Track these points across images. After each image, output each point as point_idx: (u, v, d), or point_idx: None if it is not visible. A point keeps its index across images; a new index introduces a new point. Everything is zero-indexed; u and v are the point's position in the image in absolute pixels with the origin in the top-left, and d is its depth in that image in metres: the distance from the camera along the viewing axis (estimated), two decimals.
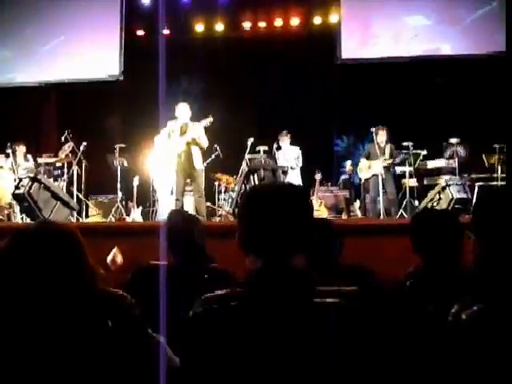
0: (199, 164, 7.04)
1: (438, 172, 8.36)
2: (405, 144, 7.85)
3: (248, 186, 7.44)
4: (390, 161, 7.83)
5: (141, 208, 8.72)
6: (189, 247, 2.62)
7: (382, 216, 7.50)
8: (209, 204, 8.44)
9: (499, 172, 7.81)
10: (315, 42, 10.21)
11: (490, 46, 8.70)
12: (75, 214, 7.30)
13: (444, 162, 8.39)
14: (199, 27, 10.38)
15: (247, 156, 7.98)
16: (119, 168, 8.29)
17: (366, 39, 9.34)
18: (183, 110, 7.09)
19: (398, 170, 8.21)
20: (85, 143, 8.15)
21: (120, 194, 8.24)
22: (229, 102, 10.53)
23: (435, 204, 7.03)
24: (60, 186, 7.98)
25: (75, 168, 8.22)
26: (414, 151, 7.88)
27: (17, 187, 6.86)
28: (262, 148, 7.98)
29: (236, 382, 1.32)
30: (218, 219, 8.13)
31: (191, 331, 1.37)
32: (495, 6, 8.76)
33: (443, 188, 7.07)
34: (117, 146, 8.35)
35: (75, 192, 8.06)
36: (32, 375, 1.41)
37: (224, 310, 1.35)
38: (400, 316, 1.67)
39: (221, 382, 1.32)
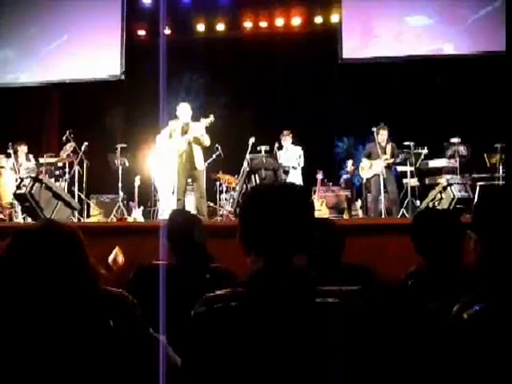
0: (201, 164, 7.04)
1: (440, 171, 8.35)
2: (406, 143, 7.85)
3: (249, 186, 7.44)
4: (391, 160, 7.83)
5: (142, 208, 8.73)
6: (190, 247, 2.62)
7: (383, 215, 7.50)
8: (210, 204, 8.44)
9: (501, 171, 7.81)
10: (316, 41, 10.20)
11: (492, 46, 8.69)
12: (76, 213, 7.30)
13: (445, 162, 8.38)
14: (200, 27, 10.38)
15: (248, 156, 7.98)
16: (120, 168, 8.30)
17: (367, 39, 9.34)
18: (184, 109, 7.10)
19: (400, 169, 8.21)
20: (86, 143, 8.16)
21: (121, 193, 8.24)
22: (230, 101, 10.54)
23: (436, 203, 7.02)
24: (61, 185, 7.99)
25: (76, 168, 8.22)
26: (416, 151, 7.88)
27: (18, 187, 6.87)
28: (263, 148, 7.98)
29: (237, 382, 1.32)
30: (219, 219, 8.13)
31: (193, 331, 1.37)
32: (498, 5, 8.75)
33: (444, 187, 7.06)
34: (118, 146, 8.36)
35: (76, 192, 8.06)
36: (34, 375, 1.41)
37: (225, 310, 1.35)
38: (402, 315, 1.67)
39: (222, 381, 1.32)
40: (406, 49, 9.19)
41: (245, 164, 7.96)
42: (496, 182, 7.79)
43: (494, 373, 1.29)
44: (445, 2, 9.03)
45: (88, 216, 8.35)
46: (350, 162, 9.96)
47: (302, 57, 10.46)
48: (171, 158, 7.07)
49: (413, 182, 7.97)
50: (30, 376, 1.41)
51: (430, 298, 1.86)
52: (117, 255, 3.18)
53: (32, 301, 1.44)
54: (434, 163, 8.43)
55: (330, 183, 9.88)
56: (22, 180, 6.97)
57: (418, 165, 8.06)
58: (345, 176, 10.15)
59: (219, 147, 8.39)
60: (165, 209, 7.56)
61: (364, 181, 8.44)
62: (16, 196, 6.95)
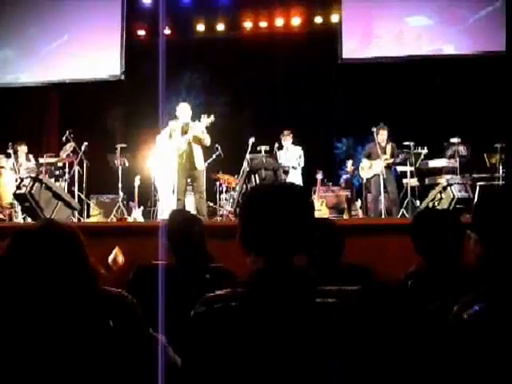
0: (200, 164, 7.04)
1: (440, 171, 8.35)
2: (406, 143, 7.86)
3: (249, 186, 7.44)
4: (391, 160, 7.83)
5: (142, 208, 8.73)
6: (189, 247, 2.62)
7: (383, 215, 7.50)
8: (210, 204, 8.44)
9: (500, 171, 7.81)
10: (316, 41, 10.20)
11: (492, 46, 8.69)
12: (76, 213, 7.30)
13: (445, 162, 8.38)
14: (200, 27, 10.38)
15: (248, 156, 7.98)
16: (120, 168, 8.30)
17: (367, 39, 9.34)
18: (184, 109, 7.10)
19: (400, 169, 8.21)
20: (86, 143, 8.16)
21: (121, 193, 8.24)
22: (230, 101, 10.54)
23: (436, 203, 7.02)
24: (61, 185, 7.99)
25: (76, 168, 8.23)
26: (415, 151, 7.89)
27: (18, 187, 6.87)
28: (263, 148, 7.98)
29: (237, 382, 1.32)
30: (219, 219, 8.13)
31: (192, 331, 1.37)
32: (498, 5, 8.74)
33: (444, 187, 7.06)
34: (118, 146, 8.36)
35: (76, 192, 8.06)
36: (34, 375, 1.41)
37: (225, 310, 1.35)
38: (401, 315, 1.67)
39: (222, 381, 1.32)
40: (405, 49, 9.19)
41: (245, 164, 7.96)
42: (496, 182, 7.80)
43: (493, 373, 1.29)
44: (445, 3, 9.02)
45: (88, 216, 8.35)
46: (349, 162, 9.96)
47: (302, 57, 10.46)
48: (171, 158, 7.07)
49: (413, 182, 7.97)
50: (30, 376, 1.41)
51: (430, 298, 1.87)
52: (117, 255, 3.18)
53: (32, 301, 1.44)
54: (434, 163, 8.43)
55: (330, 183, 9.88)
56: (21, 180, 6.97)
57: (417, 165, 8.06)
58: (345, 176, 10.16)
59: (219, 147, 8.39)
60: (165, 209, 7.55)
61: (364, 181, 8.44)
62: (16, 196, 6.95)
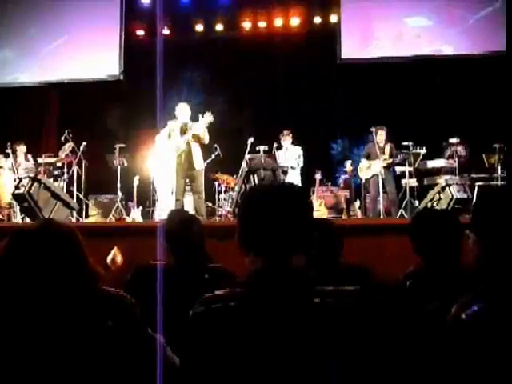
0: (199, 163, 7.04)
1: (438, 172, 8.36)
2: (405, 144, 7.86)
3: (248, 186, 7.44)
4: (389, 160, 7.84)
5: (141, 208, 8.72)
6: (188, 247, 2.61)
7: (381, 216, 7.50)
8: (209, 204, 8.44)
9: (499, 172, 7.82)
10: (315, 42, 10.20)
11: (492, 47, 8.68)
12: (75, 213, 7.30)
13: (444, 162, 8.39)
14: (199, 27, 10.37)
15: (247, 156, 7.98)
16: (119, 168, 8.29)
17: (366, 40, 9.33)
18: (183, 109, 7.10)
19: (398, 169, 8.21)
20: (85, 143, 8.16)
21: (120, 193, 8.24)
22: (229, 101, 10.52)
23: (435, 204, 7.03)
24: (60, 185, 7.99)
25: (75, 168, 8.22)
26: (414, 151, 7.89)
27: (17, 187, 6.86)
28: (262, 148, 7.98)
29: (236, 382, 1.32)
30: (217, 219, 8.13)
31: (191, 331, 1.37)
32: (498, 6, 8.73)
33: (443, 188, 7.07)
34: (117, 146, 8.35)
35: (75, 192, 8.06)
36: (33, 375, 1.41)
37: (224, 310, 1.35)
38: (400, 316, 1.67)
39: (221, 381, 1.32)
40: (405, 50, 9.19)
41: (243, 164, 7.96)
42: (494, 183, 7.80)
43: (492, 373, 1.29)
44: (444, 3, 9.01)
45: (86, 216, 8.35)
46: (348, 163, 9.96)
47: (301, 57, 10.46)
48: (170, 158, 7.07)
49: (411, 182, 7.97)
50: (30, 376, 1.41)
51: (429, 299, 1.87)
52: (115, 255, 3.17)
53: (30, 301, 1.44)
54: (433, 163, 8.43)
55: (329, 183, 9.89)
56: (20, 180, 6.96)
57: (416, 165, 8.06)
58: (343, 176, 10.16)
59: (218, 147, 8.39)
60: (163, 209, 7.55)
61: (363, 181, 8.45)
62: (14, 196, 6.95)
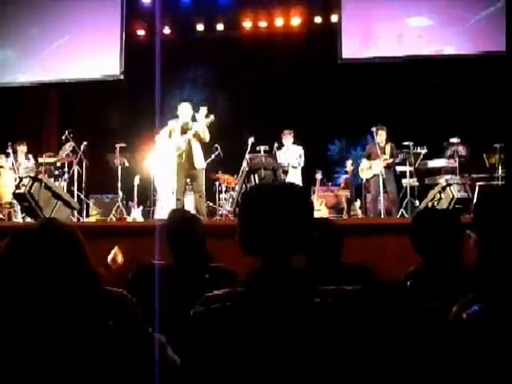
0: (200, 163, 7.04)
1: (439, 171, 8.36)
2: (405, 143, 7.86)
3: (249, 186, 7.44)
4: (390, 160, 7.84)
5: (141, 207, 8.72)
6: (189, 247, 2.61)
7: (382, 215, 7.50)
8: (209, 203, 8.44)
9: (500, 172, 7.81)
10: (316, 41, 10.20)
11: (493, 46, 8.66)
12: (76, 213, 7.30)
13: (444, 162, 8.38)
14: (200, 27, 10.37)
15: (248, 155, 7.98)
16: (120, 167, 8.29)
17: (367, 40, 9.32)
18: (185, 109, 7.10)
19: (399, 169, 8.21)
20: (85, 143, 8.15)
21: (120, 193, 8.24)
22: (229, 101, 10.53)
23: (436, 204, 7.02)
24: (61, 185, 7.98)
25: (76, 167, 8.22)
26: (415, 151, 7.88)
27: (18, 187, 6.86)
28: (262, 147, 7.98)
29: (236, 382, 1.32)
30: (218, 219, 8.13)
31: (192, 330, 1.37)
32: (500, 6, 8.71)
33: (444, 187, 7.07)
34: (117, 146, 8.35)
35: (76, 191, 8.06)
36: (34, 375, 1.41)
37: (225, 310, 1.35)
38: (401, 315, 1.67)
39: (221, 381, 1.32)
40: (406, 50, 9.17)
41: (244, 164, 7.96)
42: (495, 182, 7.80)
43: (493, 373, 1.29)
44: (446, 3, 8.99)
45: (87, 216, 8.35)
46: (349, 162, 9.96)
47: (302, 57, 10.47)
48: (170, 157, 7.07)
49: (412, 182, 7.97)
50: (31, 376, 1.41)
51: (430, 298, 1.86)
52: (116, 255, 3.17)
53: (31, 301, 1.44)
54: (434, 163, 8.43)
55: (329, 183, 9.89)
56: (21, 179, 6.96)
57: (417, 165, 8.06)
58: (344, 176, 10.16)
59: (218, 147, 8.39)
60: (164, 208, 7.56)
61: (364, 181, 8.44)
62: (15, 195, 6.95)
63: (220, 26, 10.33)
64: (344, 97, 10.75)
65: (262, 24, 10.25)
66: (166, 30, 10.30)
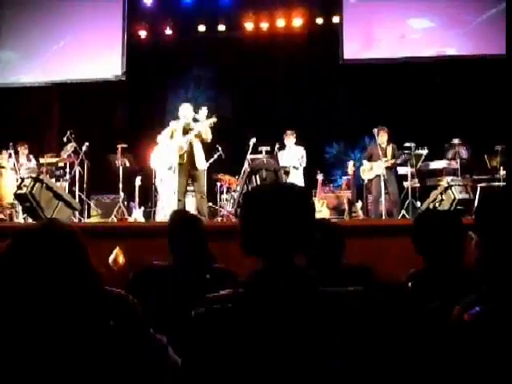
0: (202, 163, 7.04)
1: (440, 173, 8.35)
2: (407, 145, 7.85)
3: (250, 187, 7.44)
4: (391, 161, 7.83)
5: (143, 208, 8.73)
6: (190, 248, 2.61)
7: (383, 217, 7.49)
8: (211, 204, 8.44)
9: (501, 173, 7.80)
10: (317, 42, 10.20)
11: (495, 49, 8.64)
12: (77, 214, 7.30)
13: (446, 163, 8.38)
14: (201, 28, 10.37)
15: (249, 156, 7.98)
16: (121, 168, 8.29)
17: (368, 41, 9.32)
18: (186, 110, 7.10)
19: (400, 170, 8.20)
20: (87, 143, 8.16)
21: (122, 194, 8.24)
22: (231, 102, 10.54)
23: (437, 205, 7.02)
24: (62, 185, 7.99)
25: (77, 168, 8.22)
26: (416, 152, 7.88)
27: (19, 187, 6.86)
28: (264, 148, 7.98)
29: (237, 383, 1.31)
30: (219, 219, 8.13)
31: (193, 331, 1.37)
32: (502, 8, 8.69)
33: (445, 189, 7.06)
34: (119, 146, 8.36)
35: (77, 192, 8.06)
36: (35, 375, 1.41)
37: (226, 311, 1.35)
38: (402, 316, 1.67)
39: (222, 382, 1.32)
40: (407, 51, 9.16)
41: (245, 164, 7.96)
42: (496, 184, 7.79)
43: (494, 374, 1.29)
44: (447, 5, 8.97)
45: (88, 216, 8.35)
46: (350, 163, 9.95)
47: (303, 58, 10.47)
48: (172, 158, 7.07)
49: (413, 183, 7.96)
50: (32, 376, 1.41)
51: (431, 299, 1.86)
52: (117, 255, 3.18)
53: (32, 301, 1.44)
54: (435, 164, 8.42)
55: (331, 185, 9.88)
56: (22, 180, 6.96)
57: (418, 166, 8.05)
58: (345, 177, 10.15)
59: (220, 148, 8.39)
60: (166, 209, 7.56)
61: (365, 182, 8.44)
62: (17, 196, 6.95)
63: (222, 27, 10.33)
64: (345, 98, 10.75)
65: (264, 25, 10.25)
66: (168, 31, 10.30)
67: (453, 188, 7.01)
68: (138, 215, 8.42)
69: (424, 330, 1.64)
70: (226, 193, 8.91)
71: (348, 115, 10.62)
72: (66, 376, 1.41)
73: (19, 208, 7.43)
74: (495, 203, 1.50)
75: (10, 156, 8.10)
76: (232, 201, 8.67)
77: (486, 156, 8.21)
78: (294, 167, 8.44)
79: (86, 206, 8.28)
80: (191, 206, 7.53)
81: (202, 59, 11.03)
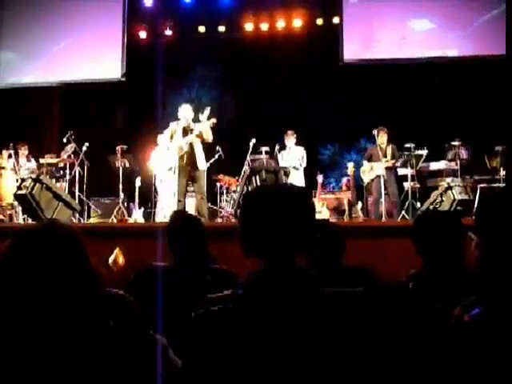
0: (202, 164, 7.03)
1: (440, 174, 8.35)
2: (407, 145, 7.86)
3: (250, 187, 7.44)
4: (391, 162, 7.83)
5: (142, 209, 8.72)
6: (190, 248, 2.62)
7: (383, 218, 7.49)
8: (210, 205, 8.44)
9: (501, 174, 7.81)
10: (317, 43, 10.21)
11: (496, 49, 8.63)
12: (77, 214, 7.30)
13: (446, 164, 8.38)
14: (201, 28, 10.37)
15: (249, 157, 7.98)
16: (121, 169, 8.29)
17: (368, 42, 9.32)
18: (186, 111, 7.10)
19: (400, 171, 8.20)
20: (87, 144, 8.16)
21: (122, 194, 8.24)
22: (231, 102, 10.54)
23: (437, 206, 7.02)
24: (62, 186, 7.99)
25: (77, 169, 8.22)
26: (416, 153, 7.88)
27: (19, 188, 6.86)
28: (264, 149, 7.98)
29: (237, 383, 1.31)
30: (219, 220, 8.12)
31: (192, 332, 1.37)
32: (502, 9, 8.68)
33: (445, 190, 7.06)
34: (119, 147, 8.36)
35: (77, 193, 8.06)
36: (34, 375, 1.41)
37: (226, 312, 1.35)
38: (402, 317, 1.67)
39: (222, 383, 1.32)
40: (407, 52, 9.16)
41: (245, 165, 7.96)
42: (497, 185, 7.79)
43: (494, 376, 1.29)
44: (448, 6, 8.97)
45: (88, 217, 8.35)
46: (350, 165, 9.95)
47: (303, 58, 10.47)
48: (172, 159, 7.07)
49: (413, 184, 7.96)
50: (31, 376, 1.41)
51: (431, 300, 1.86)
52: (117, 256, 3.18)
53: (32, 301, 1.44)
54: (435, 165, 8.43)
55: (331, 185, 9.88)
56: (22, 181, 6.96)
57: (418, 167, 8.05)
58: (345, 178, 10.14)
59: (220, 149, 8.39)
60: (165, 210, 7.56)
61: (366, 183, 8.43)
62: (16, 197, 6.95)
63: (222, 28, 10.33)
64: (345, 98, 10.75)
65: (264, 26, 10.25)
66: (168, 32, 10.30)
67: (453, 189, 7.01)
68: (137, 216, 8.42)
69: (424, 331, 1.64)
70: (226, 194, 8.91)
71: (348, 116, 10.62)
72: (65, 376, 1.41)
73: (19, 209, 7.43)
74: (495, 204, 1.49)
75: (9, 156, 8.10)
76: (232, 202, 8.67)
77: (486, 157, 8.21)
78: (295, 167, 8.44)
79: (86, 207, 8.28)
80: (191, 206, 7.53)
81: (201, 60, 11.04)
